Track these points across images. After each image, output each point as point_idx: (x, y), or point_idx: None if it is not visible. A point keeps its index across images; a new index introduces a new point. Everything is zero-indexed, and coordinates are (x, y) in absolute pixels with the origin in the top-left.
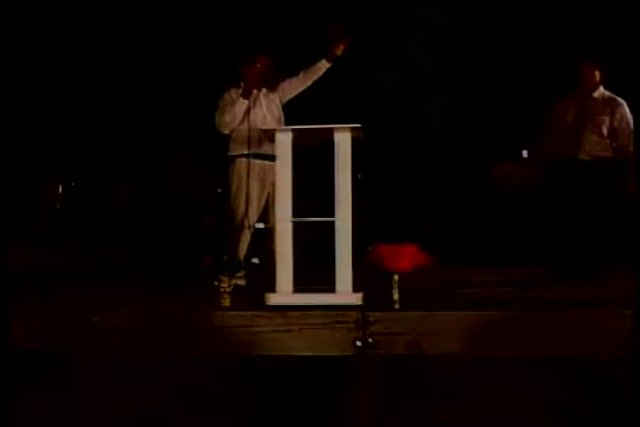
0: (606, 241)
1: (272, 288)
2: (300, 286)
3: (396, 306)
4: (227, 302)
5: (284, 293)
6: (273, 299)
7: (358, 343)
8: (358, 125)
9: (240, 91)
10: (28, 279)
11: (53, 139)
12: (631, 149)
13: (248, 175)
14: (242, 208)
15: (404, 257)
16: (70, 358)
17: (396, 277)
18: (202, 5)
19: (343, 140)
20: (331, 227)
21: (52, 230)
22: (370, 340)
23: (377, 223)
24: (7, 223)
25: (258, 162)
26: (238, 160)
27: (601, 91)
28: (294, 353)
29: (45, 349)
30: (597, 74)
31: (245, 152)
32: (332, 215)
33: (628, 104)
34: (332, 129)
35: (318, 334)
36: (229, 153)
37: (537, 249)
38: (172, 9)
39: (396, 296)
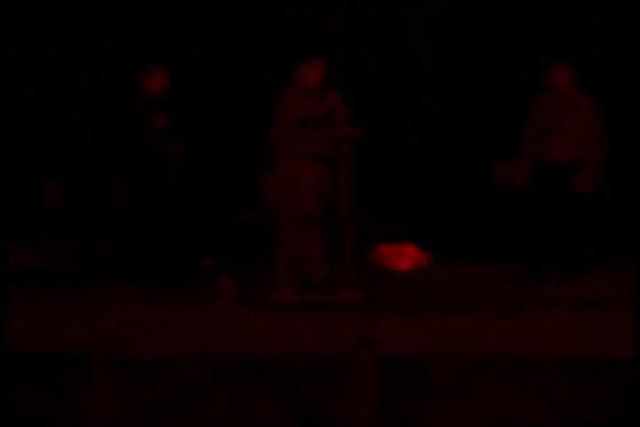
0: (591, 240)
1: (273, 287)
2: (300, 286)
3: (397, 306)
4: (227, 301)
5: (284, 292)
6: (273, 298)
7: (358, 343)
8: (358, 125)
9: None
10: (28, 279)
11: (54, 137)
12: (599, 145)
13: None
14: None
15: (404, 257)
16: (70, 358)
17: (396, 276)
18: (202, 5)
19: (343, 140)
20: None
21: (52, 229)
22: (370, 340)
23: (377, 223)
24: (7, 222)
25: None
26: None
27: (572, 90)
28: (294, 352)
29: (45, 349)
30: (569, 74)
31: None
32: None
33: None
34: (332, 128)
35: (318, 333)
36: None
37: (535, 248)
38: (171, 8)
39: (395, 296)
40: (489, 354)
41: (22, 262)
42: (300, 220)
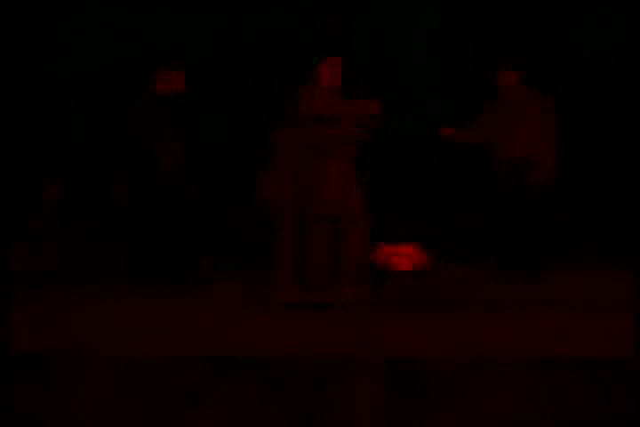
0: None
1: (273, 287)
2: (301, 285)
3: (397, 306)
4: (227, 302)
5: (284, 292)
6: (274, 298)
7: (358, 343)
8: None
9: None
10: (28, 279)
11: (54, 137)
12: (549, 145)
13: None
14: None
15: (404, 257)
16: (70, 358)
17: (396, 276)
18: (202, 5)
19: (347, 139)
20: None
21: (52, 230)
22: (370, 340)
23: (378, 223)
24: (7, 223)
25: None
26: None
27: (519, 91)
28: (294, 352)
29: (45, 349)
30: (519, 74)
31: None
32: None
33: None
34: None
35: (318, 333)
36: None
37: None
38: (170, 8)
39: (395, 296)
40: (489, 354)
41: (22, 263)
42: (302, 219)
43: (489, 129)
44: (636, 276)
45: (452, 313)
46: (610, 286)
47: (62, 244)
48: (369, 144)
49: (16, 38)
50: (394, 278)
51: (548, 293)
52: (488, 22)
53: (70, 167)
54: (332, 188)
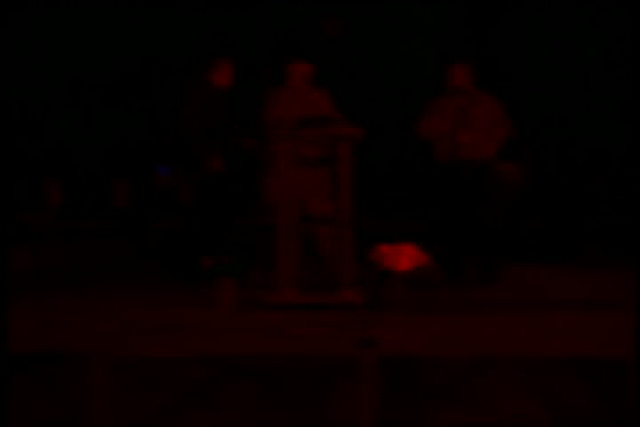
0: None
1: (272, 288)
2: (300, 286)
3: (396, 306)
4: (227, 302)
5: (284, 292)
6: (273, 298)
7: (358, 343)
8: (358, 125)
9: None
10: (28, 279)
11: (54, 138)
12: (497, 143)
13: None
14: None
15: (404, 257)
16: (70, 358)
17: (396, 277)
18: (199, 5)
19: (343, 140)
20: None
21: (53, 230)
22: (370, 340)
23: (377, 223)
24: (8, 223)
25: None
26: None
27: (472, 88)
28: (295, 353)
29: (45, 349)
30: (470, 73)
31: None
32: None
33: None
34: (332, 128)
35: (318, 334)
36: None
37: (539, 248)
38: (170, 8)
39: (396, 296)
40: (489, 354)
41: (23, 263)
42: (301, 220)
43: (437, 125)
44: (636, 276)
45: (452, 313)
46: (610, 286)
47: (63, 244)
48: (367, 146)
49: (16, 39)
50: (394, 278)
51: (548, 293)
52: (489, 23)
53: (71, 168)
54: (317, 190)
